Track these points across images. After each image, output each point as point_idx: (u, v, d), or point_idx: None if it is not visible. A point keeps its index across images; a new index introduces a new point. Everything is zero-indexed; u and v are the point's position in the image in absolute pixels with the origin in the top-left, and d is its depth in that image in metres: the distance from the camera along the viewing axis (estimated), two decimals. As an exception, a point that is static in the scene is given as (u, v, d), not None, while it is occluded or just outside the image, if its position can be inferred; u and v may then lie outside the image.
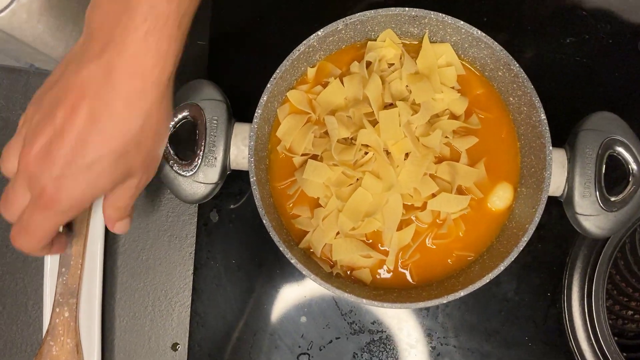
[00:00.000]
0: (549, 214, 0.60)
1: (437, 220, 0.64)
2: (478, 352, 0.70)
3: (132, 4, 0.45)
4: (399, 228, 0.63)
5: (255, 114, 0.60)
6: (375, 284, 0.64)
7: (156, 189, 0.73)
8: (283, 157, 0.65)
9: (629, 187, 0.62)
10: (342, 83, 0.64)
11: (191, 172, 0.61)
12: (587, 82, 0.73)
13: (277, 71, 0.61)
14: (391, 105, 0.63)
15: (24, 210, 0.50)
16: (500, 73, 0.64)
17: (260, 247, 0.71)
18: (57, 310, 0.65)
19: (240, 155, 0.62)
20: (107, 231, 0.69)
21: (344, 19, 0.62)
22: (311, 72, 0.65)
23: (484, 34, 0.61)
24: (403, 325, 0.71)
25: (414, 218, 0.64)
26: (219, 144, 0.61)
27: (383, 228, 0.62)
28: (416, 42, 0.66)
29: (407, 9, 0.61)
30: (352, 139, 0.63)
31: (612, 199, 0.61)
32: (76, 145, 0.46)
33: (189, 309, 0.71)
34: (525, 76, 0.61)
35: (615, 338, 0.68)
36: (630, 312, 0.79)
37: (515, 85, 0.63)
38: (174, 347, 0.71)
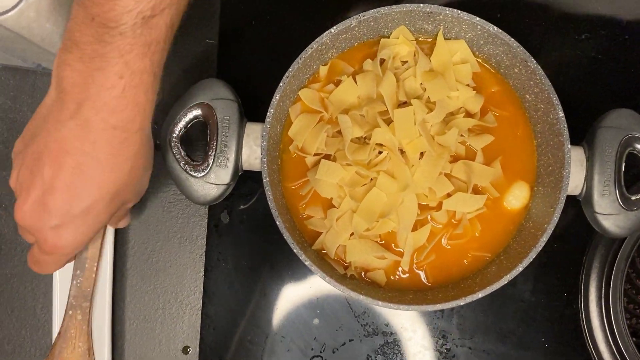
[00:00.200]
0: (565, 213, 0.59)
1: (453, 220, 0.63)
2: (494, 353, 0.69)
3: (105, 63, 0.46)
4: (414, 228, 0.62)
5: (268, 114, 0.59)
6: (389, 286, 0.63)
7: (166, 190, 0.72)
8: (295, 157, 0.63)
9: (649, 185, 0.61)
10: (355, 81, 0.63)
11: (203, 173, 0.60)
12: (604, 79, 0.72)
13: (290, 69, 0.59)
14: (405, 104, 0.62)
15: (33, 249, 0.54)
16: (516, 70, 0.63)
17: (271, 248, 0.70)
18: (70, 313, 0.64)
19: (253, 156, 0.61)
20: (116, 233, 0.68)
21: (357, 15, 0.60)
22: (323, 70, 0.64)
23: (500, 31, 0.60)
24: (417, 326, 0.69)
25: (429, 218, 0.63)
26: (230, 145, 0.60)
27: (398, 228, 0.61)
28: (430, 39, 0.65)
29: (421, 5, 0.60)
30: (365, 138, 0.62)
31: (633, 197, 0.60)
32: (69, 195, 0.48)
33: (200, 312, 0.70)
34: (543, 73, 0.59)
35: (633, 339, 0.67)
36: (647, 312, 0.78)
37: (532, 83, 0.61)
38: (185, 350, 0.70)
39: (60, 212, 0.49)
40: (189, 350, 0.70)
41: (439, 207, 0.62)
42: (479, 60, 0.65)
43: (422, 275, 0.63)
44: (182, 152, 0.60)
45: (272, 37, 0.74)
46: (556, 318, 0.70)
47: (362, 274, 0.63)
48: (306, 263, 0.58)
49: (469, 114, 0.63)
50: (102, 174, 0.49)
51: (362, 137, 0.61)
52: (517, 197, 0.63)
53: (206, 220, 0.71)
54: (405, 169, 0.60)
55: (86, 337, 0.65)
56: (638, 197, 0.60)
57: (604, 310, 0.68)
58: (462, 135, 0.62)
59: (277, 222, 0.58)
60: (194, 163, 0.60)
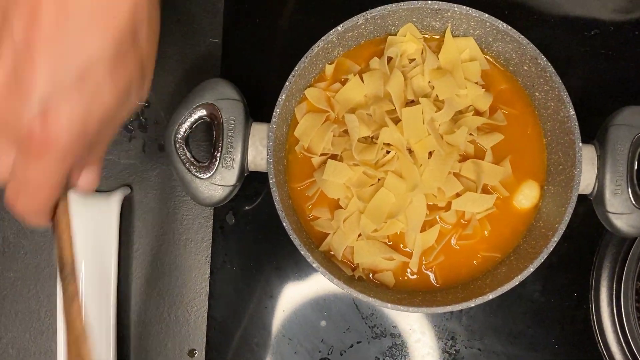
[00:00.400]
0: (575, 211, 0.58)
1: (462, 220, 0.62)
2: (504, 354, 0.68)
3: None
4: (423, 229, 0.61)
5: (274, 114, 0.58)
6: (398, 287, 0.62)
7: (170, 191, 0.71)
8: (302, 157, 0.63)
9: (662, 183, 0.60)
10: (362, 80, 0.62)
11: (208, 175, 0.59)
12: (614, 76, 0.71)
13: (296, 68, 0.59)
14: (413, 102, 0.61)
15: (14, 166, 0.37)
16: (525, 67, 0.62)
17: (277, 249, 0.69)
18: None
19: (259, 157, 0.60)
20: (120, 235, 0.68)
21: (364, 13, 0.60)
22: (329, 69, 0.63)
23: (510, 27, 0.59)
24: (426, 328, 0.69)
25: (437, 219, 0.62)
26: (236, 145, 0.59)
27: (406, 229, 0.60)
28: (438, 37, 0.64)
29: (429, 2, 0.59)
30: (373, 137, 0.61)
31: (646, 196, 0.59)
32: (53, 54, 0.34)
33: (206, 314, 0.69)
34: (553, 70, 0.58)
35: (645, 339, 0.66)
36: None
37: (542, 80, 0.60)
38: (191, 353, 0.69)
39: (43, 82, 0.34)
40: (195, 353, 0.69)
41: (447, 207, 0.61)
42: (487, 57, 0.64)
43: (431, 276, 0.62)
44: (188, 154, 0.59)
45: (277, 35, 0.73)
46: (567, 318, 0.69)
47: (370, 275, 0.62)
48: (314, 265, 0.57)
49: (477, 112, 0.62)
50: (94, 18, 0.34)
51: (369, 136, 0.60)
52: (527, 196, 0.62)
53: (211, 222, 0.70)
54: (414, 168, 0.59)
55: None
56: (651, 195, 0.59)
57: (615, 311, 0.67)
58: (471, 134, 0.61)
59: (284, 224, 0.57)
60: (199, 164, 0.59)
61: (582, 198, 0.61)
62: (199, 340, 0.69)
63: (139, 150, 0.71)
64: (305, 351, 0.69)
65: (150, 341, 0.70)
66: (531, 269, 0.57)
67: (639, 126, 0.60)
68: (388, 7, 0.60)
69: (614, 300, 0.67)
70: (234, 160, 0.59)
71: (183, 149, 0.59)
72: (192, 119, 0.59)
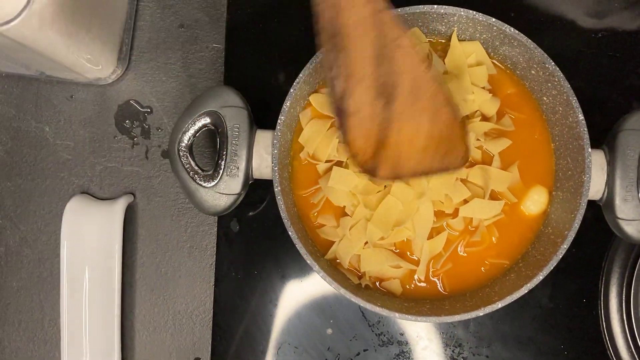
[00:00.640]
0: (583, 217, 0.57)
1: (469, 227, 0.61)
2: (512, 362, 0.68)
3: None
4: (430, 236, 0.60)
5: (279, 121, 0.57)
6: (405, 295, 0.61)
7: (174, 199, 0.70)
8: (306, 164, 0.62)
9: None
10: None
11: (213, 183, 0.58)
12: (623, 79, 0.70)
13: (300, 75, 0.58)
14: None
15: None
16: (533, 72, 0.61)
17: (282, 257, 0.69)
18: None
19: (263, 164, 0.59)
20: (124, 243, 0.67)
21: (369, 18, 0.59)
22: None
23: (517, 32, 0.58)
24: (433, 335, 0.68)
25: (445, 225, 0.61)
26: (241, 153, 0.58)
27: (413, 237, 0.60)
28: (443, 41, 0.64)
29: (435, 6, 0.59)
30: None
31: (656, 202, 0.58)
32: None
33: (211, 322, 0.69)
34: (562, 75, 0.58)
35: (656, 346, 0.66)
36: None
37: (549, 85, 0.60)
38: (196, 361, 0.69)
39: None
40: (200, 362, 0.69)
41: (455, 214, 0.60)
42: (494, 61, 0.63)
43: (439, 284, 0.62)
44: (192, 162, 0.58)
45: (280, 40, 0.72)
46: (576, 325, 0.68)
47: (377, 283, 0.61)
48: (320, 275, 0.56)
49: (485, 117, 0.62)
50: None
51: None
52: (536, 202, 0.61)
53: (216, 229, 0.70)
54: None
55: None
56: (661, 201, 0.58)
57: (625, 316, 0.66)
58: (478, 140, 0.60)
59: (290, 233, 0.56)
60: (204, 173, 0.59)
61: (590, 203, 0.60)
62: (203, 349, 0.69)
63: (141, 157, 0.71)
64: (311, 359, 0.68)
65: (155, 350, 0.69)
66: (540, 277, 0.56)
67: (649, 131, 0.59)
68: (393, 11, 0.59)
69: (624, 306, 0.66)
70: (238, 168, 0.58)
71: (187, 158, 0.58)
72: (195, 127, 0.58)
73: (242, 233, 0.69)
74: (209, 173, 0.58)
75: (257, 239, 0.69)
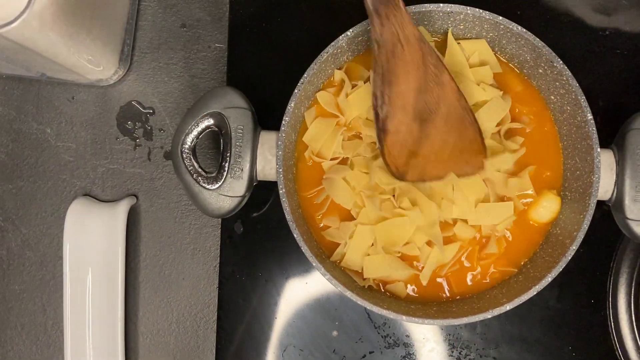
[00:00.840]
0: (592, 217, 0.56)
1: (479, 234, 0.60)
2: (519, 363, 0.67)
3: None
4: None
5: (283, 122, 0.57)
6: (411, 297, 0.61)
7: (177, 200, 0.69)
8: (311, 164, 0.61)
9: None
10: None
11: (216, 185, 0.57)
12: (631, 77, 0.69)
13: (305, 75, 0.57)
14: None
15: None
16: (540, 70, 0.60)
17: (287, 258, 0.68)
18: None
19: (268, 166, 0.58)
20: (127, 246, 0.66)
21: (374, 17, 0.58)
22: (338, 75, 0.62)
23: (524, 30, 0.58)
24: (440, 337, 0.67)
25: (455, 234, 0.60)
26: (245, 155, 0.58)
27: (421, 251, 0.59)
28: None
29: (441, 5, 0.58)
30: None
31: (667, 203, 0.57)
32: None
33: (215, 325, 0.68)
34: (570, 74, 0.57)
35: (665, 347, 0.65)
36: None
37: (557, 84, 0.59)
38: (200, 365, 0.68)
39: None
40: (205, 365, 0.68)
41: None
42: (500, 59, 0.63)
43: (444, 284, 0.61)
44: (195, 164, 0.58)
45: (284, 39, 0.71)
46: (584, 325, 0.67)
47: (381, 285, 0.60)
48: (325, 277, 0.55)
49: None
50: None
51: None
52: (547, 209, 0.60)
53: (219, 231, 0.69)
54: (432, 205, 0.58)
55: None
56: (672, 202, 0.58)
57: (634, 317, 0.65)
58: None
59: (295, 235, 0.55)
60: (207, 175, 0.58)
61: (599, 203, 0.59)
62: (208, 352, 0.68)
63: (144, 158, 0.70)
64: (317, 362, 0.67)
65: (159, 353, 0.68)
66: (549, 279, 0.56)
67: (659, 130, 0.58)
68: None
69: (633, 307, 0.65)
70: (242, 170, 0.58)
71: (190, 160, 0.58)
72: (199, 129, 0.58)
73: (246, 235, 0.69)
74: (213, 175, 0.58)
75: (261, 241, 0.69)
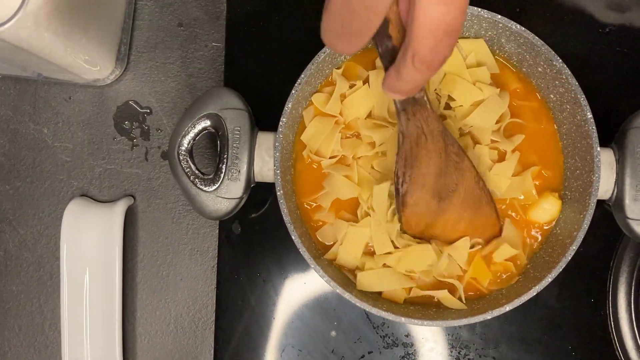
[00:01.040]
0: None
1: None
2: (519, 363, 0.67)
3: None
4: None
5: (280, 123, 0.56)
6: (409, 299, 0.60)
7: (175, 200, 0.69)
8: (309, 164, 0.61)
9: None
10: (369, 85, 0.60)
11: (214, 187, 0.57)
12: (631, 75, 0.69)
13: (302, 76, 0.57)
14: None
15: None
16: (540, 69, 0.59)
17: (285, 258, 0.68)
18: None
19: (265, 167, 0.58)
20: (124, 246, 0.66)
21: (371, 16, 0.57)
22: (337, 74, 0.61)
23: (523, 29, 0.57)
24: (439, 337, 0.67)
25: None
26: (242, 156, 0.57)
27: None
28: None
29: (440, 3, 0.57)
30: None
31: (667, 202, 0.57)
32: None
33: (213, 326, 0.68)
34: (570, 73, 0.56)
35: (665, 346, 0.65)
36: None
37: (557, 82, 0.58)
38: (199, 365, 0.68)
39: None
40: (203, 366, 0.68)
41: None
42: (499, 58, 0.62)
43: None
44: (192, 166, 0.57)
45: (281, 38, 0.70)
46: (583, 325, 0.67)
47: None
48: (324, 279, 0.55)
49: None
50: None
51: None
52: (547, 211, 0.59)
53: (217, 231, 0.69)
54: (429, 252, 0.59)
55: None
56: (672, 201, 0.57)
57: (634, 316, 0.65)
58: (493, 140, 0.60)
59: (293, 237, 0.55)
60: (204, 177, 0.57)
61: (599, 202, 0.59)
62: (206, 352, 0.68)
63: (141, 158, 0.70)
64: (316, 362, 0.67)
65: (157, 354, 0.68)
66: (549, 279, 0.55)
67: (660, 129, 0.57)
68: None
69: (633, 306, 0.65)
70: (239, 172, 0.57)
71: (187, 162, 0.57)
72: (195, 130, 0.57)
73: (244, 235, 0.68)
74: (210, 177, 0.57)
75: (260, 241, 0.68)
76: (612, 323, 0.66)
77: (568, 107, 0.58)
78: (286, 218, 0.55)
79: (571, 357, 0.66)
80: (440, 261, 0.57)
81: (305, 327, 0.67)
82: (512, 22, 0.57)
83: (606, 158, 0.58)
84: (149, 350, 0.68)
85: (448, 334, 0.67)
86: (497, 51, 0.62)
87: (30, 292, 0.69)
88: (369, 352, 0.67)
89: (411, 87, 0.42)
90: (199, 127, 0.57)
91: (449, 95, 0.60)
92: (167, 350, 0.68)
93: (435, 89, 0.60)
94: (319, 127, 0.60)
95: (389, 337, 0.67)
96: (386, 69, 0.44)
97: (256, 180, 0.59)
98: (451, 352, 0.67)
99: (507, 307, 0.55)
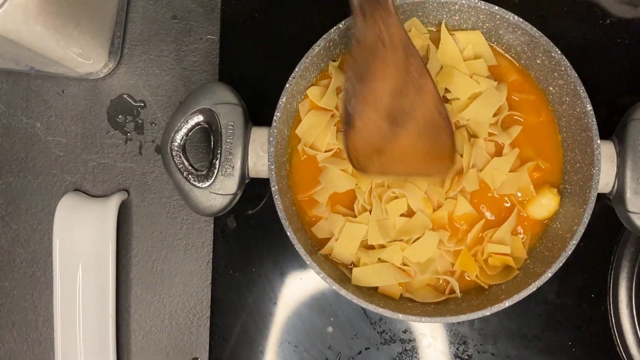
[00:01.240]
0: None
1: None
2: (518, 359, 0.66)
3: None
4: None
5: (275, 117, 0.55)
6: (406, 296, 0.60)
7: (169, 195, 0.68)
8: (305, 159, 0.60)
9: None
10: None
11: (207, 183, 0.56)
12: (632, 67, 0.68)
13: (296, 70, 0.56)
14: None
15: None
16: (538, 61, 0.59)
17: (281, 253, 0.67)
18: None
19: (260, 163, 0.57)
20: (118, 241, 0.65)
21: (367, 8, 0.56)
22: (333, 67, 0.60)
23: (521, 20, 0.56)
24: (437, 333, 0.66)
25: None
26: (236, 152, 0.56)
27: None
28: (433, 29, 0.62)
29: (436, -5, 0.56)
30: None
31: (669, 195, 0.56)
32: None
33: (208, 322, 0.67)
34: (569, 64, 0.56)
35: (666, 342, 0.64)
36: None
37: (556, 74, 0.57)
38: (194, 361, 0.67)
39: None
40: (198, 362, 0.67)
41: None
42: (497, 50, 0.61)
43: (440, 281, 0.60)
44: (185, 162, 0.56)
45: (277, 31, 0.69)
46: (584, 321, 0.66)
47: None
48: (320, 276, 0.54)
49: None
50: None
51: None
52: (544, 207, 0.59)
53: (212, 226, 0.68)
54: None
55: None
56: (674, 194, 0.56)
57: (635, 312, 0.64)
58: (491, 133, 0.59)
59: (288, 233, 0.54)
60: (198, 173, 0.57)
61: (599, 195, 0.58)
62: (201, 349, 0.67)
63: (135, 152, 0.69)
64: (312, 358, 0.66)
65: (152, 350, 0.67)
66: (549, 274, 0.55)
67: (661, 121, 0.56)
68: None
69: (634, 301, 0.64)
70: (233, 167, 0.56)
71: (180, 157, 0.56)
72: (188, 126, 0.56)
73: (239, 230, 0.67)
74: (203, 173, 0.56)
75: (255, 236, 0.67)
76: (613, 319, 0.65)
77: (567, 99, 0.57)
78: (281, 214, 0.54)
79: (571, 353, 0.66)
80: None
81: (301, 323, 0.66)
82: (510, 13, 0.56)
83: (606, 151, 0.57)
84: (143, 346, 0.67)
85: (446, 330, 0.66)
86: (495, 43, 0.61)
87: (23, 288, 0.68)
88: (366, 349, 0.66)
89: None
90: (191, 122, 0.56)
91: (445, 88, 0.59)
92: (161, 346, 0.67)
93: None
94: (314, 120, 0.59)
95: (387, 333, 0.66)
96: None
97: (250, 176, 0.58)
98: (449, 348, 0.66)
99: (507, 303, 0.54)
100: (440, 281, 0.59)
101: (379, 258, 0.58)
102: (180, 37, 0.70)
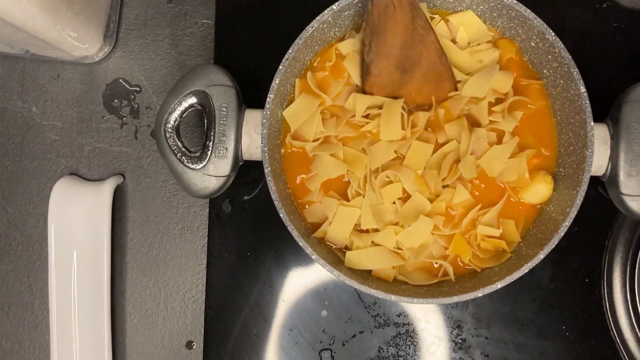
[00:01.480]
0: (586, 193, 0.55)
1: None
2: (512, 343, 0.66)
3: None
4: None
5: (267, 99, 0.55)
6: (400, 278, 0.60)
7: (164, 179, 0.68)
8: (292, 151, 0.60)
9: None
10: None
11: (201, 165, 0.56)
12: (627, 50, 0.68)
13: (290, 51, 0.56)
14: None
15: None
16: (532, 44, 0.58)
17: (276, 238, 0.67)
18: None
19: (253, 145, 0.57)
20: (113, 225, 0.65)
21: (360, -10, 0.56)
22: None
23: (515, 2, 0.56)
24: (431, 317, 0.66)
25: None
26: (229, 134, 0.56)
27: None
28: (436, 16, 0.61)
29: (430, -23, 0.56)
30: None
31: (662, 178, 0.56)
32: None
33: (203, 305, 0.67)
34: (562, 46, 0.55)
35: (661, 325, 0.64)
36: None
37: (550, 57, 0.57)
38: (189, 345, 0.67)
39: None
40: (193, 345, 0.67)
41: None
42: (492, 34, 0.61)
43: (434, 264, 0.60)
44: (179, 143, 0.56)
45: (272, 15, 0.69)
46: (578, 305, 0.66)
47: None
48: (312, 257, 0.55)
49: (497, 94, 0.59)
50: None
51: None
52: (538, 193, 0.58)
53: (207, 210, 0.68)
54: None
55: None
56: (668, 177, 0.56)
57: (629, 296, 0.64)
58: (492, 121, 0.59)
59: (281, 215, 0.54)
60: (191, 154, 0.57)
61: (594, 179, 0.58)
62: (196, 332, 0.68)
63: (131, 137, 0.69)
64: (306, 342, 0.66)
65: (147, 333, 0.68)
66: (541, 256, 0.54)
67: (654, 103, 0.56)
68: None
69: (628, 285, 0.64)
70: (227, 149, 0.56)
71: (174, 139, 0.56)
72: (182, 108, 0.56)
73: (234, 214, 0.68)
74: (197, 155, 0.56)
75: (251, 221, 0.68)
76: (607, 303, 0.65)
77: (561, 82, 0.57)
78: (274, 196, 0.55)
79: (564, 337, 0.66)
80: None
81: (296, 306, 0.67)
82: (504, -5, 0.56)
83: (600, 133, 0.57)
84: (139, 330, 0.67)
85: (440, 314, 0.66)
86: (490, 26, 0.61)
87: (19, 271, 0.68)
88: (360, 332, 0.66)
89: None
90: (185, 104, 0.56)
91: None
92: (157, 330, 0.67)
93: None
94: (304, 105, 0.59)
95: (381, 317, 0.66)
96: None
97: (244, 158, 0.58)
98: (443, 331, 0.66)
99: (499, 284, 0.54)
100: (434, 264, 0.59)
101: (372, 241, 0.58)
102: (176, 21, 0.70)
